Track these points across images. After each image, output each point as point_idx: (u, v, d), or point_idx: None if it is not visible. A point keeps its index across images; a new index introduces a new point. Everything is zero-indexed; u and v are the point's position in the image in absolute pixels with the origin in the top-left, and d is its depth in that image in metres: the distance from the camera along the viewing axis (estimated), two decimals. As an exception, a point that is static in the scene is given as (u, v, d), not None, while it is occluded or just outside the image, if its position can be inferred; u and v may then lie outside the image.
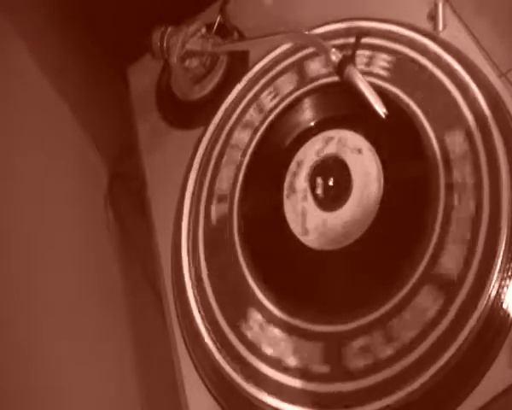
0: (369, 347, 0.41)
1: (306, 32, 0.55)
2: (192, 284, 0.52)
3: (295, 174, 0.52)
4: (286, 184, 0.52)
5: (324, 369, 0.42)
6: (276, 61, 0.58)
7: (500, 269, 0.38)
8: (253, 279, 0.48)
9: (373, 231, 0.45)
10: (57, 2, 0.70)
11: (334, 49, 0.46)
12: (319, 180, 0.50)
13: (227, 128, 0.58)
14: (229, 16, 0.63)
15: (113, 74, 0.76)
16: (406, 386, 0.38)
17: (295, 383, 0.42)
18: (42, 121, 0.63)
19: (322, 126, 0.53)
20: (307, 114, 0.54)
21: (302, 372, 0.42)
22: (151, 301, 0.66)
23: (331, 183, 0.50)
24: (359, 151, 0.49)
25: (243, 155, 0.55)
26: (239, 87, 0.60)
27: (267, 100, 0.57)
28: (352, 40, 0.51)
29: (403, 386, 0.38)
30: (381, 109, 0.43)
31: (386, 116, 0.43)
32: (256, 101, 0.58)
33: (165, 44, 0.59)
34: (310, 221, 0.49)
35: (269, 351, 0.45)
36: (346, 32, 0.54)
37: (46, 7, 0.69)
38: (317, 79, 0.54)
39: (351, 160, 0.49)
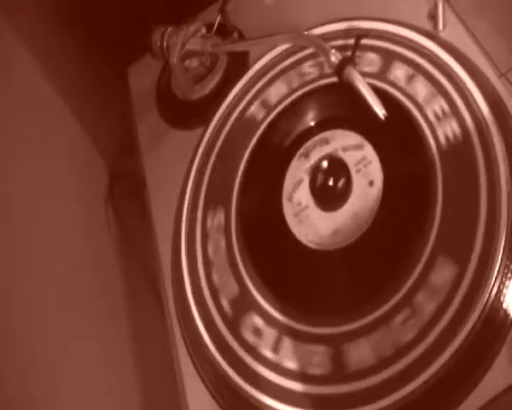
0: (367, 348, 0.41)
1: (306, 33, 0.55)
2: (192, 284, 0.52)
3: (295, 174, 0.52)
4: (285, 184, 0.52)
5: (324, 371, 0.42)
6: (278, 61, 0.58)
7: (500, 268, 0.38)
8: (251, 281, 0.48)
9: (372, 231, 0.45)
10: (57, 3, 0.70)
11: (333, 51, 0.46)
12: (319, 180, 0.50)
13: (227, 127, 0.58)
14: (229, 16, 0.63)
15: (113, 74, 0.76)
16: (405, 386, 0.38)
17: (295, 385, 0.42)
18: (41, 121, 0.63)
19: (322, 126, 0.53)
20: (307, 114, 0.54)
21: (302, 375, 0.42)
22: (151, 301, 0.66)
23: (331, 183, 0.50)
24: (359, 151, 0.49)
25: (243, 153, 0.55)
26: (239, 86, 0.60)
27: (268, 98, 0.57)
28: (351, 41, 0.51)
29: (402, 386, 0.38)
30: (380, 111, 0.43)
31: (386, 117, 0.43)
32: (256, 100, 0.57)
33: (165, 44, 0.59)
34: (310, 221, 0.49)
35: (268, 354, 0.45)
36: (345, 33, 0.54)
37: (45, 7, 0.69)
38: (316, 79, 0.54)
39: (351, 159, 0.49)
